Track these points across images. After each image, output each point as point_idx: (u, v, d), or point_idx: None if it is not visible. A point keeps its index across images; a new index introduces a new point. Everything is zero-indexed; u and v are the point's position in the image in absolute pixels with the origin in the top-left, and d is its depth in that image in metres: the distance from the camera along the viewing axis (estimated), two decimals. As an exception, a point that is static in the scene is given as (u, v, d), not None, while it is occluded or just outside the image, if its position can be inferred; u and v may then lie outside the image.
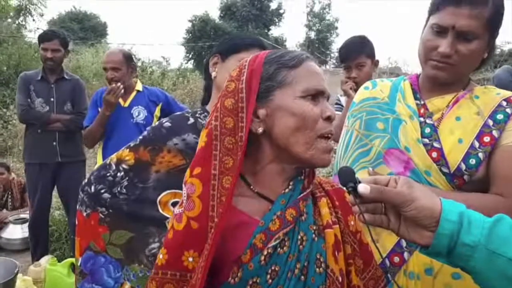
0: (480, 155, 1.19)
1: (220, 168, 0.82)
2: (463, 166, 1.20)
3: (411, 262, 1.21)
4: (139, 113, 3.07)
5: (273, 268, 0.80)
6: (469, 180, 1.21)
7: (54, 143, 3.41)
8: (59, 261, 3.04)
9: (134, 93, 3.17)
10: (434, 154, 1.23)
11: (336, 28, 30.01)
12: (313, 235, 0.85)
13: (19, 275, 2.94)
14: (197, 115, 1.40)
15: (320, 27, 29.36)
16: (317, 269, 0.83)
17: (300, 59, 0.86)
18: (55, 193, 3.67)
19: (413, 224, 0.74)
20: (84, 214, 1.34)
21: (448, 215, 0.71)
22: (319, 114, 0.84)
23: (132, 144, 1.35)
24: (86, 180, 1.36)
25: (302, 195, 0.86)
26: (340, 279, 0.84)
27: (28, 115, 3.39)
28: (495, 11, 1.18)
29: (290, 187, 0.87)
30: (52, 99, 3.41)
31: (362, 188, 0.73)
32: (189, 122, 1.37)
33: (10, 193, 4.72)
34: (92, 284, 1.34)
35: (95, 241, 1.33)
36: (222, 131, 0.83)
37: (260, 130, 0.84)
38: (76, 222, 1.36)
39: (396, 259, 1.23)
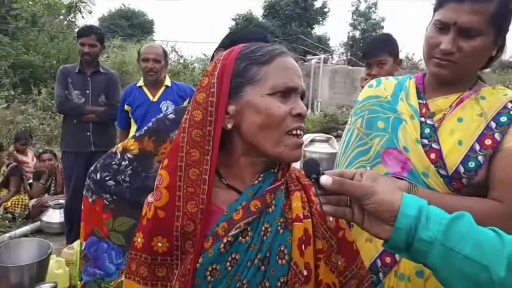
0: (480, 158, 1.15)
1: (186, 160, 0.84)
2: (462, 169, 1.16)
3: (402, 263, 1.19)
4: (167, 108, 3.17)
5: (233, 256, 0.82)
6: (467, 184, 1.17)
7: (88, 133, 3.59)
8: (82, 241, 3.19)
9: (163, 88, 3.29)
10: (433, 156, 1.20)
11: (382, 27, 29.20)
12: (279, 227, 0.85)
13: (53, 255, 3.13)
14: None
15: (365, 26, 28.71)
16: (280, 261, 0.84)
17: (272, 55, 0.86)
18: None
19: (375, 217, 0.74)
20: (90, 200, 1.40)
21: (407, 210, 0.71)
22: (286, 112, 0.83)
23: (137, 134, 1.40)
24: (92, 168, 1.42)
25: (270, 187, 0.87)
26: (304, 272, 0.85)
27: (65, 106, 3.59)
28: (501, 6, 1.13)
29: (259, 179, 0.88)
30: (87, 91, 3.60)
31: (324, 179, 0.74)
32: None
33: (54, 178, 5.02)
34: (95, 269, 1.40)
35: (99, 227, 1.39)
36: (190, 123, 0.85)
37: (229, 125, 0.85)
38: (83, 208, 1.44)
39: (388, 259, 1.21)
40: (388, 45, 2.37)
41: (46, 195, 4.97)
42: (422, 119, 1.26)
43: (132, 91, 3.35)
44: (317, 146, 3.49)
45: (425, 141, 1.22)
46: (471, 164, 1.15)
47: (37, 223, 4.43)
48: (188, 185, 0.84)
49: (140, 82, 3.36)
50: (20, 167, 5.07)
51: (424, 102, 1.28)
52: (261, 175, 0.89)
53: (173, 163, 0.86)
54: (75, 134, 3.60)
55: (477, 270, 0.67)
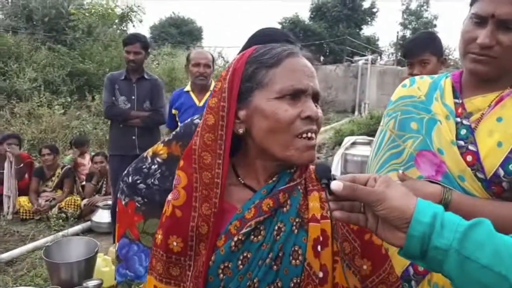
0: None
1: (199, 163, 0.85)
2: (501, 172, 1.08)
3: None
4: None
5: (244, 254, 0.82)
6: (508, 188, 1.08)
7: (134, 137, 3.71)
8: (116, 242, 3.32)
9: (208, 93, 3.36)
10: (469, 158, 1.12)
11: (435, 26, 28.07)
12: (293, 227, 0.84)
13: (100, 254, 3.27)
14: None
15: (416, 25, 27.71)
16: (293, 261, 0.82)
17: (280, 57, 0.84)
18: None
19: (388, 224, 0.71)
20: (123, 202, 1.46)
21: (420, 217, 0.67)
22: (295, 115, 0.81)
23: (166, 139, 1.44)
24: (126, 171, 1.48)
25: (283, 187, 0.85)
26: (320, 274, 0.83)
27: (111, 112, 3.74)
28: None
29: (274, 179, 0.87)
30: (133, 97, 3.73)
31: (335, 185, 0.71)
32: None
33: (105, 180, 5.26)
34: (126, 271, 1.46)
35: (130, 229, 1.45)
36: (203, 127, 0.86)
37: (241, 130, 0.85)
38: (117, 210, 1.49)
39: (421, 267, 1.15)
40: (431, 43, 2.26)
41: (97, 195, 5.21)
42: (458, 119, 1.18)
43: (179, 95, 3.44)
44: (358, 149, 3.40)
45: (461, 142, 1.15)
46: None
47: (88, 223, 4.66)
48: (203, 188, 0.85)
49: (188, 87, 3.44)
50: (73, 169, 5.36)
51: (460, 101, 1.20)
52: (276, 176, 0.88)
53: (189, 164, 0.87)
54: (121, 138, 3.74)
55: (496, 280, 0.62)
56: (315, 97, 0.85)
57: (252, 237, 0.82)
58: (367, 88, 14.01)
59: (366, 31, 28.67)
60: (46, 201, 4.93)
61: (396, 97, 1.36)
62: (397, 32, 25.39)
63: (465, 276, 0.64)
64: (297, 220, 0.85)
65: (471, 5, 1.16)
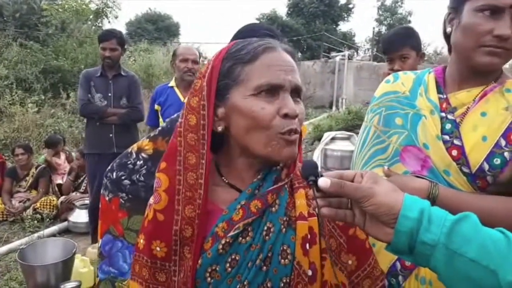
0: (506, 154, 1.07)
1: (184, 164, 0.82)
2: (486, 166, 1.08)
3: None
4: None
5: (233, 257, 0.80)
6: (493, 182, 1.09)
7: (111, 135, 3.63)
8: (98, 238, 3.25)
9: None
10: (454, 152, 1.13)
11: (409, 22, 28.59)
12: (282, 227, 0.82)
13: (78, 255, 3.19)
14: None
15: (391, 21, 28.15)
16: (282, 261, 0.81)
17: (256, 53, 0.81)
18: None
19: (376, 220, 0.71)
20: (107, 198, 1.41)
21: (408, 212, 0.67)
22: (273, 112, 0.78)
23: (152, 134, 1.40)
24: (109, 167, 1.43)
25: (271, 188, 0.83)
26: (309, 272, 0.81)
27: (87, 109, 3.64)
28: None
29: (259, 176, 0.85)
30: (109, 94, 3.64)
31: (322, 182, 0.70)
32: None
33: (85, 177, 5.13)
34: (109, 267, 1.41)
35: (114, 225, 1.40)
36: (185, 128, 0.83)
37: (220, 128, 0.83)
38: (100, 206, 1.44)
39: (408, 262, 1.15)
40: (409, 38, 2.27)
41: (77, 193, 5.10)
42: (443, 114, 1.18)
43: (163, 91, 3.35)
44: (338, 144, 3.42)
45: (446, 137, 1.15)
46: (496, 161, 1.08)
47: (65, 223, 4.54)
48: (187, 189, 0.82)
49: (172, 82, 3.36)
50: (48, 168, 5.22)
51: (445, 96, 1.21)
52: (261, 174, 0.85)
53: (172, 166, 0.84)
54: (98, 136, 3.66)
55: (483, 274, 0.63)
56: (296, 91, 0.83)
57: (240, 238, 0.80)
58: (344, 84, 14.15)
59: (343, 27, 28.93)
60: (20, 202, 4.79)
61: (380, 93, 1.36)
62: (373, 28, 25.78)
63: (452, 271, 0.65)
64: (284, 219, 0.83)
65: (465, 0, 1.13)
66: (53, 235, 4.24)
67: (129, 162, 1.39)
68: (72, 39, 10.96)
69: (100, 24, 12.53)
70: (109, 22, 12.60)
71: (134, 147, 1.42)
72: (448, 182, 1.13)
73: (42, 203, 4.77)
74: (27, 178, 5.03)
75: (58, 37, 10.98)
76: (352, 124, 9.80)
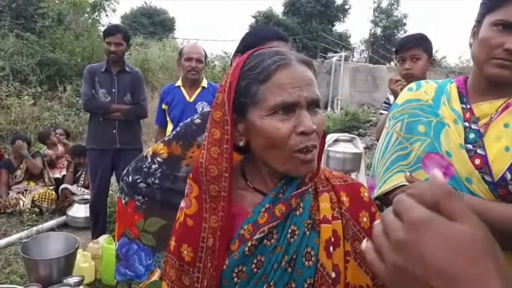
0: None
1: (205, 176, 0.84)
2: (508, 176, 1.12)
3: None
4: (202, 109, 3.19)
5: (258, 258, 0.83)
6: (514, 191, 1.13)
7: (114, 131, 3.62)
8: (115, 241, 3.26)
9: (199, 89, 3.32)
10: (477, 161, 1.16)
11: (405, 24, 28.74)
12: (306, 229, 0.85)
13: (79, 250, 3.19)
14: None
15: (387, 23, 28.28)
16: (306, 262, 0.83)
17: (269, 72, 0.81)
18: (114, 177, 3.92)
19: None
20: (123, 201, 1.44)
21: None
22: (289, 131, 0.80)
23: (166, 138, 1.42)
24: (125, 171, 1.45)
25: (295, 193, 0.86)
26: (332, 275, 0.84)
27: (91, 105, 3.62)
28: None
29: (282, 181, 0.88)
30: (113, 90, 3.62)
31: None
32: None
33: (85, 171, 5.15)
34: (126, 270, 1.44)
35: (130, 228, 1.43)
36: (209, 141, 0.85)
37: (241, 143, 0.86)
38: (117, 209, 1.46)
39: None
40: (423, 42, 2.30)
41: (75, 185, 5.11)
42: (466, 124, 1.21)
43: (170, 90, 3.37)
44: (341, 146, 3.43)
45: (470, 146, 1.18)
46: None
47: (63, 217, 4.53)
48: (211, 200, 0.85)
49: (179, 82, 3.38)
50: (39, 152, 5.29)
51: (468, 106, 1.24)
52: (284, 179, 0.88)
53: (197, 176, 0.87)
54: (101, 131, 3.64)
55: None
56: (314, 103, 0.83)
57: (265, 241, 0.83)
58: (340, 85, 14.20)
59: (339, 27, 28.95)
60: (18, 193, 4.76)
61: (402, 100, 1.38)
62: (370, 30, 25.89)
63: None
64: (308, 221, 0.86)
65: (487, 12, 1.18)
66: (52, 229, 4.22)
67: (144, 166, 1.42)
68: (69, 32, 10.87)
69: (97, 17, 12.45)
70: (106, 15, 12.53)
71: (149, 151, 1.44)
72: (470, 189, 1.16)
73: (40, 196, 4.74)
74: (21, 165, 5.02)
75: (55, 29, 10.88)
76: (349, 125, 9.87)
